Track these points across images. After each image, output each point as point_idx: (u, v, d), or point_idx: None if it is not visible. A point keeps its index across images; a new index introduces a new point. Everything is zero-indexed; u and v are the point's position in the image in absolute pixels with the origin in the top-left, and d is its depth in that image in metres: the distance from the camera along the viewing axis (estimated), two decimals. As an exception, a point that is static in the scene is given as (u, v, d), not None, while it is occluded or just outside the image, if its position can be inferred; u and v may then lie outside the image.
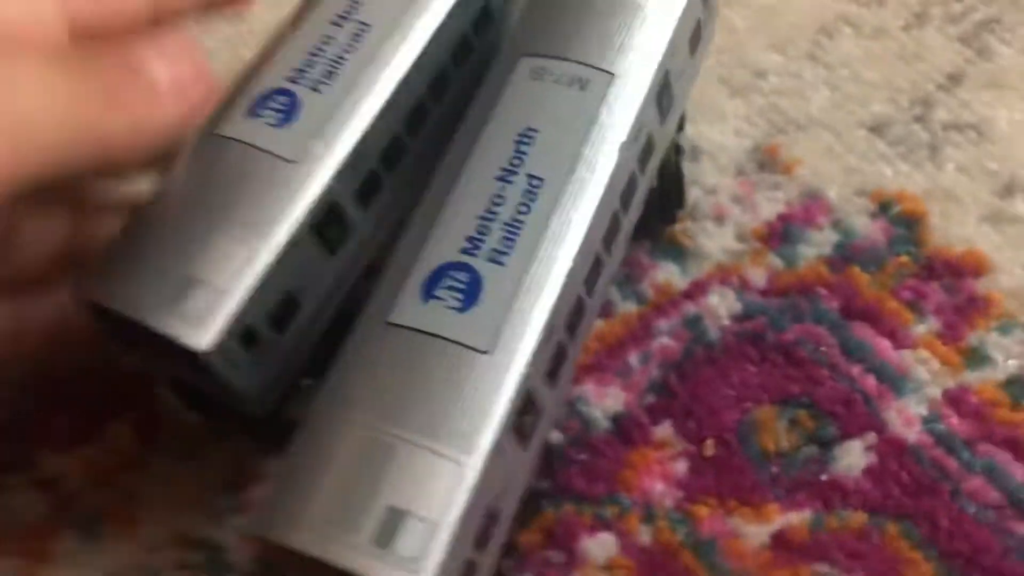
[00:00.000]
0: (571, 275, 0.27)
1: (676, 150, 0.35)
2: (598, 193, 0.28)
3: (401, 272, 0.27)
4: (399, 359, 0.26)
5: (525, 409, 0.26)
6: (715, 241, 0.36)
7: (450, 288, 0.26)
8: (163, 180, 0.29)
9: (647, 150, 0.31)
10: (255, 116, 0.29)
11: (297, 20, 0.31)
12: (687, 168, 0.36)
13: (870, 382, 0.32)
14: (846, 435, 0.31)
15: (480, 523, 0.25)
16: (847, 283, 0.34)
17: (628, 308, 0.35)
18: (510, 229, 0.27)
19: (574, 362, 0.29)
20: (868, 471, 0.30)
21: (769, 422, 0.32)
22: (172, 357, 0.27)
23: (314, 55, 0.30)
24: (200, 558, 0.33)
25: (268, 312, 0.28)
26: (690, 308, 0.34)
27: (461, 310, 0.26)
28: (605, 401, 0.33)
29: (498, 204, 0.28)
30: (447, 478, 0.24)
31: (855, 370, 0.32)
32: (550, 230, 0.27)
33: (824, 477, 0.30)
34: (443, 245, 0.27)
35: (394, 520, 0.23)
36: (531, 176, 0.28)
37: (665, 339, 0.34)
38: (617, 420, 0.33)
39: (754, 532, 0.30)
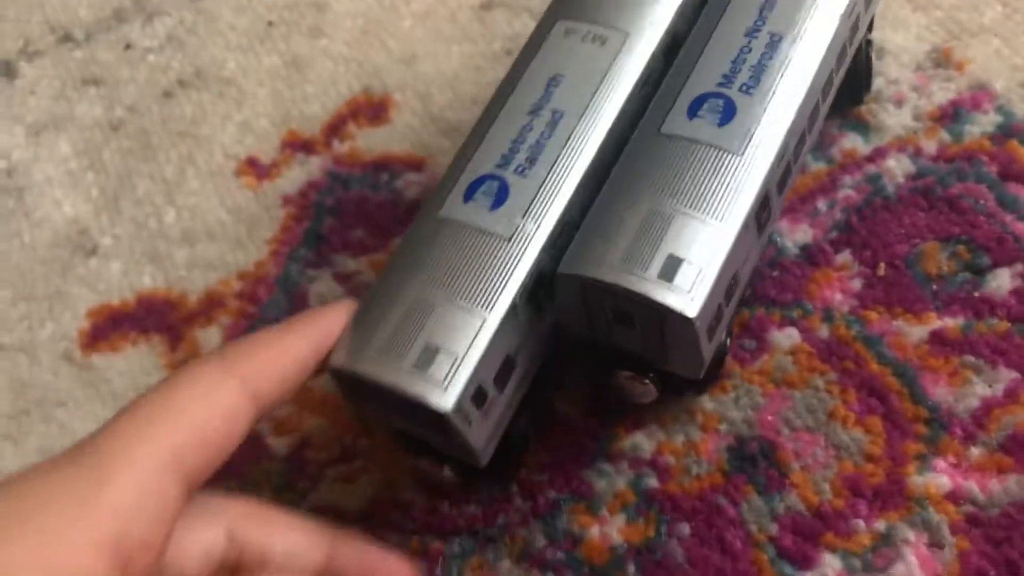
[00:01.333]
0: (801, 108, 0.36)
1: (867, 43, 0.43)
2: (822, 49, 0.37)
3: (669, 99, 0.36)
4: (673, 157, 0.35)
5: (763, 204, 0.35)
6: (895, 119, 0.44)
7: (710, 109, 0.35)
8: (392, 259, 0.34)
9: (855, 27, 0.39)
10: (470, 200, 0.34)
11: (494, 110, 0.36)
12: (874, 63, 0.44)
13: (1020, 227, 0.40)
14: (997, 264, 0.39)
15: (729, 280, 0.34)
16: (1005, 153, 0.42)
17: (819, 167, 0.43)
18: (756, 70, 0.36)
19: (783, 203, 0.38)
20: (1013, 291, 0.39)
21: (933, 253, 0.40)
22: (414, 418, 0.32)
23: (516, 142, 0.35)
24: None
25: (493, 374, 0.32)
26: (871, 168, 0.43)
27: (719, 124, 0.35)
28: (796, 235, 0.42)
29: (746, 52, 0.37)
30: (711, 239, 0.33)
31: (1008, 218, 0.40)
32: (788, 73, 0.36)
33: (976, 294, 0.39)
34: (704, 79, 0.36)
35: (673, 264, 0.32)
36: (772, 33, 0.37)
37: (849, 191, 0.42)
38: (805, 248, 0.41)
39: (915, 331, 0.39)
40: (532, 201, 0.34)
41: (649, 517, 0.37)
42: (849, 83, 0.42)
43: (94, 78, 0.57)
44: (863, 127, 0.44)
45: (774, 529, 0.36)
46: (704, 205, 0.33)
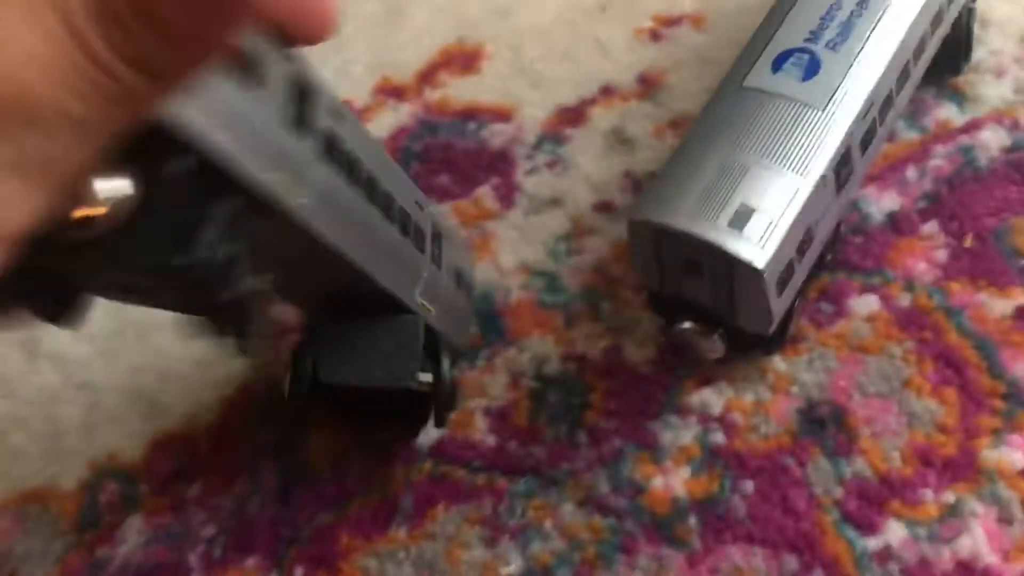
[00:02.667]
0: (889, 67, 0.35)
1: (969, 12, 0.42)
2: (914, 10, 0.36)
3: (753, 53, 0.36)
4: (753, 110, 0.35)
5: (844, 160, 0.35)
6: (994, 91, 0.43)
7: (795, 64, 0.35)
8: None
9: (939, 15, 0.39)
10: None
11: None
12: (976, 32, 0.44)
13: (1117, 205, 0.39)
14: (1088, 240, 0.38)
15: (803, 235, 0.34)
16: (1107, 128, 0.41)
17: (911, 136, 0.43)
18: (844, 27, 0.36)
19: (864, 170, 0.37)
20: (1102, 269, 0.38)
21: (1023, 228, 0.39)
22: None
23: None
24: (540, 283, 0.43)
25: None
26: (965, 139, 0.42)
27: (803, 79, 0.35)
28: (882, 202, 0.41)
29: (835, 9, 0.36)
30: (786, 191, 0.33)
31: (1103, 195, 0.39)
32: (877, 32, 0.36)
33: (1065, 270, 0.38)
34: (790, 35, 0.36)
35: (745, 213, 0.33)
36: (862, -6, 0.37)
37: (940, 161, 0.42)
38: (891, 216, 0.41)
39: (998, 305, 0.38)
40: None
41: (714, 472, 0.37)
42: (948, 52, 0.41)
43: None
44: (959, 98, 0.43)
45: (839, 493, 0.36)
46: (781, 157, 0.34)
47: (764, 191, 0.33)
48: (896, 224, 0.41)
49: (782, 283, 0.34)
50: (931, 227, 0.40)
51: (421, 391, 0.33)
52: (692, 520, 0.36)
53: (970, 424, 0.36)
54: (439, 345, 0.34)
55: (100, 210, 0.21)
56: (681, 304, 0.36)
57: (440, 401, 0.34)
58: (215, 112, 0.22)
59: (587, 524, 0.37)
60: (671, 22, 0.50)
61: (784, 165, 0.33)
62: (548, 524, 0.37)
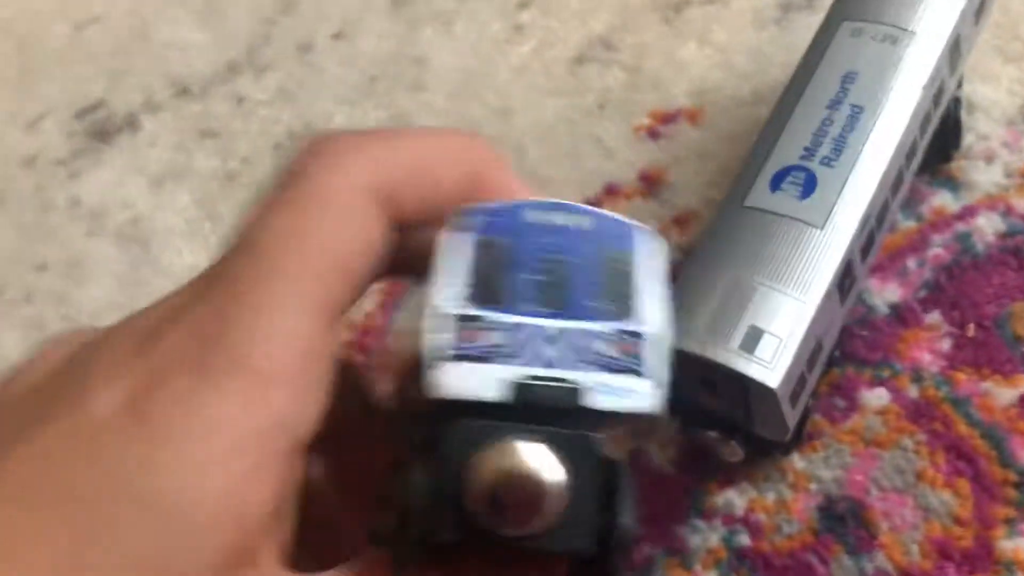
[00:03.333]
0: (883, 179, 0.37)
1: (956, 102, 0.44)
2: (904, 120, 0.38)
3: (752, 172, 0.38)
4: (756, 231, 0.36)
5: (846, 273, 0.36)
6: (985, 176, 0.45)
7: (792, 182, 0.37)
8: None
9: (939, 94, 0.40)
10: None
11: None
12: (963, 119, 0.45)
13: (1110, 288, 0.40)
14: (1087, 327, 0.40)
15: (812, 348, 0.35)
16: (1097, 212, 0.42)
17: (908, 225, 0.45)
18: (837, 143, 0.38)
19: (869, 262, 0.39)
20: (1102, 354, 0.39)
21: (1022, 314, 0.41)
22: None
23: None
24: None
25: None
26: (961, 227, 0.44)
27: (801, 198, 0.37)
28: (885, 293, 0.43)
29: (827, 125, 0.38)
30: (793, 311, 0.35)
31: (1099, 279, 0.41)
32: (869, 145, 0.37)
33: (1065, 357, 0.40)
34: (786, 152, 0.38)
35: (755, 335, 0.34)
36: (853, 105, 0.38)
37: (938, 249, 0.44)
38: (894, 308, 0.43)
39: (1004, 394, 0.40)
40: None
41: (741, 574, 0.39)
42: (938, 140, 0.43)
43: (211, 131, 0.61)
44: (953, 184, 0.45)
45: (862, 589, 0.37)
46: (785, 278, 0.35)
47: (772, 312, 0.35)
48: (900, 315, 0.42)
49: (795, 396, 0.35)
50: (934, 317, 0.42)
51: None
52: (723, 624, 0.38)
53: (985, 515, 0.38)
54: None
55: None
56: (698, 410, 0.38)
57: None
58: None
59: (622, 632, 0.38)
60: (668, 118, 0.51)
61: (789, 285, 0.35)
62: (584, 634, 0.39)
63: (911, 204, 0.45)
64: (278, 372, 0.22)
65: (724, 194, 0.39)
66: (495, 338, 0.23)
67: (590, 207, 0.25)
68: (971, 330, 0.41)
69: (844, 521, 0.39)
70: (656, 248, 0.25)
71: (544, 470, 0.22)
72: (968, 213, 0.44)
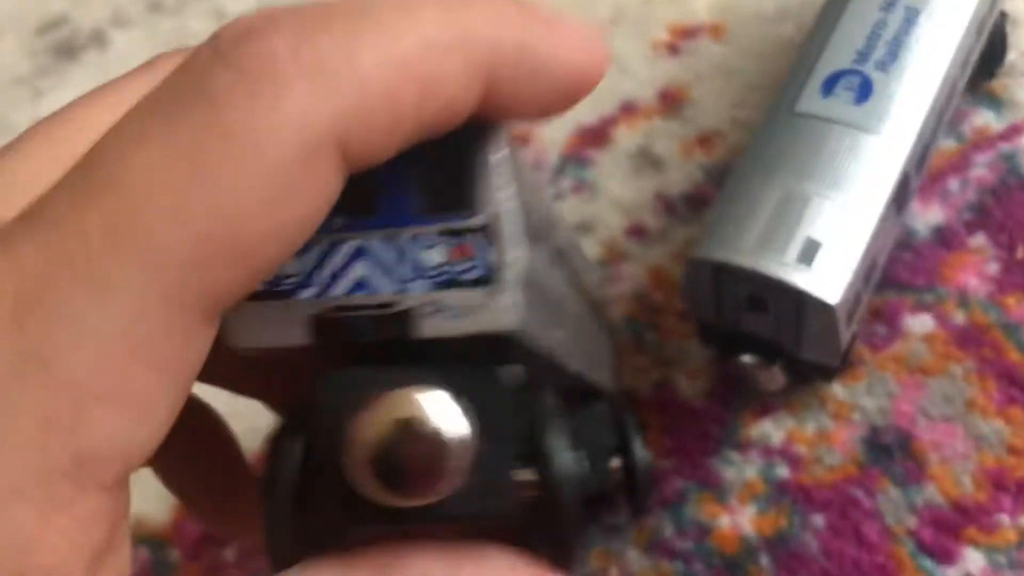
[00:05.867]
0: (941, 86, 0.36)
1: (1002, 15, 0.43)
2: (962, 24, 0.37)
3: (801, 77, 0.36)
4: (808, 138, 0.35)
5: (902, 185, 0.35)
6: (1030, 93, 0.44)
7: (845, 87, 0.35)
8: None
9: (993, 1, 0.39)
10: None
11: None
12: (1008, 35, 0.44)
13: None
14: None
15: (869, 264, 0.34)
16: None
17: (948, 145, 0.43)
18: (892, 46, 0.36)
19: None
20: None
21: (1076, 235, 0.40)
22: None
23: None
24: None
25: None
26: (1005, 146, 0.43)
27: (856, 103, 0.35)
28: (927, 216, 0.42)
29: (881, 28, 0.36)
30: (852, 222, 0.33)
31: None
32: (926, 49, 0.36)
33: (1123, 278, 0.39)
34: (837, 56, 0.36)
35: (812, 247, 0.33)
36: (908, 7, 0.37)
37: (982, 170, 0.42)
38: (937, 231, 0.41)
39: (1057, 318, 0.38)
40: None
41: (781, 508, 0.37)
42: (980, 57, 0.42)
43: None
44: (995, 102, 0.44)
45: (913, 523, 0.36)
46: (843, 186, 0.34)
47: (830, 223, 0.33)
48: (943, 238, 0.41)
49: (850, 315, 0.34)
50: (979, 240, 0.41)
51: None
52: (764, 559, 0.37)
53: (1040, 444, 0.37)
54: (627, 420, 0.27)
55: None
56: (737, 335, 0.37)
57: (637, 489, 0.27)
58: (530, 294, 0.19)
59: (654, 569, 0.37)
60: (688, 33, 0.50)
61: (847, 194, 0.33)
62: (614, 572, 0.37)
63: (952, 123, 0.44)
64: (102, 384, 0.16)
65: (760, 107, 0.37)
66: (296, 265, 0.19)
67: None
68: (1020, 252, 0.40)
69: (890, 452, 0.37)
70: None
71: (442, 420, 0.18)
72: (1013, 132, 0.43)
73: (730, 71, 0.48)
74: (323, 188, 0.17)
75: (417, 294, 0.18)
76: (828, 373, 0.38)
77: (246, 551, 0.42)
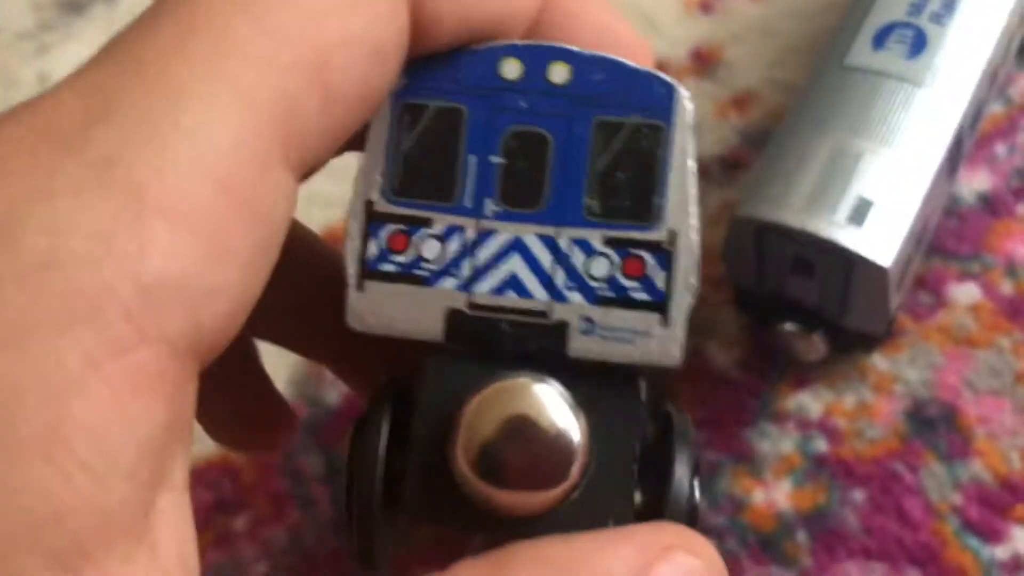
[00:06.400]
0: (998, 42, 0.34)
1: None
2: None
3: (851, 29, 0.35)
4: (859, 92, 0.33)
5: (956, 145, 0.33)
6: (1082, 56, 0.42)
7: (898, 40, 0.34)
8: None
9: None
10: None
11: None
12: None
13: None
14: None
15: (922, 226, 0.32)
16: None
17: (995, 109, 0.41)
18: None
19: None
20: None
21: None
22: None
23: None
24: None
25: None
26: (1056, 110, 0.41)
27: (909, 57, 0.33)
28: (973, 182, 0.40)
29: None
30: (906, 181, 0.32)
31: None
32: (982, 3, 0.34)
33: None
34: (890, 7, 0.35)
35: (863, 207, 0.31)
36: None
37: (1031, 135, 0.41)
38: (983, 197, 0.40)
39: (1112, 289, 0.37)
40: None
41: (819, 483, 0.36)
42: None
43: None
44: (1046, 64, 0.42)
45: (958, 499, 0.35)
46: (896, 142, 0.32)
47: (882, 181, 0.31)
48: (990, 205, 0.39)
49: (901, 279, 0.32)
50: (1029, 207, 0.39)
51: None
52: (801, 536, 0.35)
53: (1092, 419, 0.35)
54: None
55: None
56: (777, 302, 0.35)
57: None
58: None
59: (686, 545, 0.36)
60: (722, -8, 0.48)
61: (900, 151, 0.32)
62: (644, 546, 0.36)
63: (999, 87, 0.42)
64: (169, 196, 0.14)
65: (800, 68, 0.36)
66: (436, 249, 0.17)
67: (597, 52, 0.18)
68: (1073, 220, 0.39)
69: (934, 426, 0.36)
70: (688, 117, 0.19)
71: (560, 418, 0.16)
72: (1064, 96, 0.41)
73: (767, 31, 0.46)
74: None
75: (575, 305, 0.17)
76: (870, 343, 0.37)
77: (257, 520, 0.40)
